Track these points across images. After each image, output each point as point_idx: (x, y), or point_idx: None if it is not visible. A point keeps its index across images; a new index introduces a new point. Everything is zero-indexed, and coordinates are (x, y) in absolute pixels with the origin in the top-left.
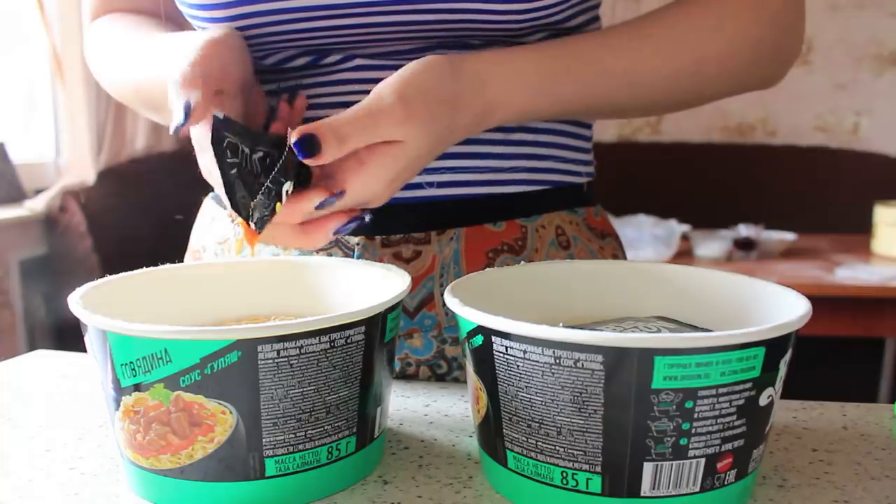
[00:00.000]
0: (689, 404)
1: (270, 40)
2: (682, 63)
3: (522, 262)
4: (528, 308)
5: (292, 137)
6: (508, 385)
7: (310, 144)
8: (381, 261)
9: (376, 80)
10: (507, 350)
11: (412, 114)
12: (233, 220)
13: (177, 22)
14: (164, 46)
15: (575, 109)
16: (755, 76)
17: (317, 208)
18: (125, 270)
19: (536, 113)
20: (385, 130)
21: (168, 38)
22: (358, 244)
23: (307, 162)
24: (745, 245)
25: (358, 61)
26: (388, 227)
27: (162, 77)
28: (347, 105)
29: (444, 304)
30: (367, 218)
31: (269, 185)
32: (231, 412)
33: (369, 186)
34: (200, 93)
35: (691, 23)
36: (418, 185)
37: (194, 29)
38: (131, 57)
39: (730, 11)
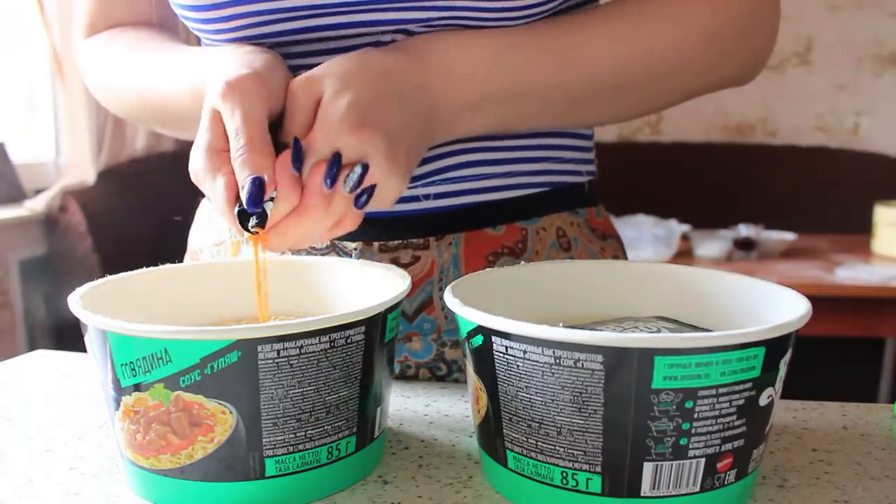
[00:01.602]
0: (689, 404)
1: (266, 41)
2: (636, 49)
3: (522, 262)
4: (528, 308)
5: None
6: (508, 385)
7: (260, 187)
8: None
9: None
10: (507, 350)
11: (313, 73)
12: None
13: (169, 28)
14: (201, 61)
15: (527, 91)
16: (717, 73)
17: (295, 166)
18: (125, 270)
19: (486, 88)
20: (294, 93)
21: (205, 51)
22: (356, 249)
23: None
24: (745, 245)
25: None
26: (386, 234)
27: (198, 90)
28: None
29: (443, 308)
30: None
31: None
32: (231, 412)
33: (323, 125)
34: (271, 168)
35: (651, 10)
36: (415, 198)
37: (190, 32)
38: (155, 70)
39: (691, 2)
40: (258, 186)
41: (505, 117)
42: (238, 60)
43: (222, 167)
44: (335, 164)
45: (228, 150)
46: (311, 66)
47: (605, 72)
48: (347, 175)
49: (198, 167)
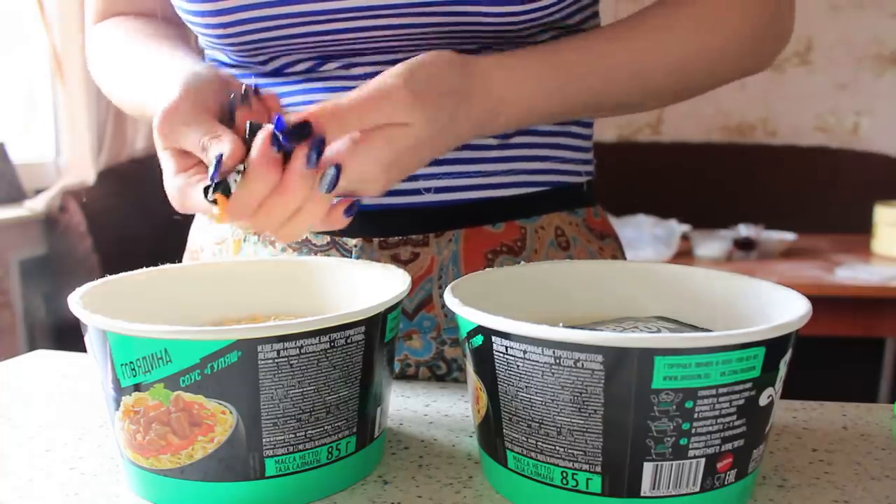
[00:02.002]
0: (689, 404)
1: (268, 45)
2: (687, 55)
3: (522, 262)
4: (528, 308)
5: (270, 124)
6: (508, 385)
7: (301, 130)
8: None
9: None
10: (507, 350)
11: (419, 98)
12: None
13: (175, 23)
14: (164, 73)
15: (584, 101)
16: (748, 65)
17: (322, 185)
18: (125, 270)
19: (544, 109)
20: (390, 113)
21: (170, 63)
22: (356, 246)
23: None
24: (745, 245)
25: (359, 69)
26: (386, 230)
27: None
28: None
29: (443, 306)
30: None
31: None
32: (231, 412)
33: (365, 167)
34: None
35: (693, 17)
36: (416, 192)
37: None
38: (135, 73)
39: (721, 9)
40: (217, 160)
41: (546, 123)
42: (168, 91)
43: (194, 179)
44: (316, 148)
45: (194, 165)
46: (316, 70)
47: (664, 79)
48: (322, 176)
49: (174, 192)
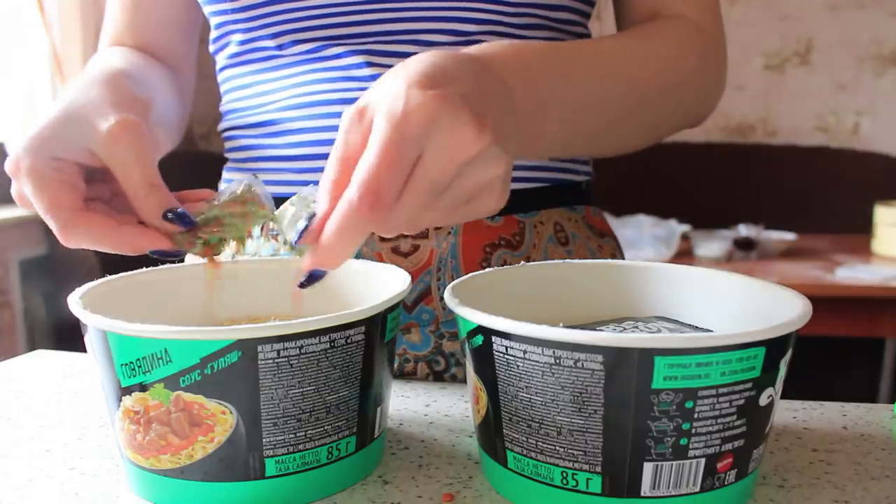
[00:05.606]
0: (689, 404)
1: (277, 17)
2: (653, 66)
3: (522, 260)
4: (528, 308)
5: None
6: (508, 385)
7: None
8: (379, 255)
9: (373, 77)
10: (507, 350)
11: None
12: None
13: (169, 63)
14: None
15: (583, 97)
16: (694, 113)
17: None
18: (125, 270)
19: (551, 89)
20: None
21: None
22: None
23: None
24: (745, 245)
25: (356, 58)
26: None
27: None
28: (340, 101)
29: (441, 299)
30: None
31: None
32: (231, 412)
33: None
34: None
35: (658, 49)
36: None
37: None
38: None
39: (683, 41)
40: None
41: (567, 123)
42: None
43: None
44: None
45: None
46: (309, 55)
47: (635, 88)
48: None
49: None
